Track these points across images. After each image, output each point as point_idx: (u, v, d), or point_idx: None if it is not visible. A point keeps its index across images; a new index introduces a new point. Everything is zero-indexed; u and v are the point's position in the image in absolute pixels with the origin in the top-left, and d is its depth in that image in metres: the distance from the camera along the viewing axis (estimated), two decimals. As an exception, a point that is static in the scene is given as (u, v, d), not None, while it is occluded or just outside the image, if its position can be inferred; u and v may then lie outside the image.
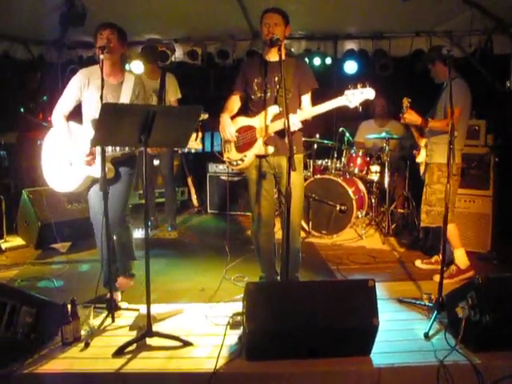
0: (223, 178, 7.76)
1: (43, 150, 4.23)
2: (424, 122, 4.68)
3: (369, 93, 3.82)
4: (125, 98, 3.98)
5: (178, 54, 7.80)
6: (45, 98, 7.50)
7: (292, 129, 3.89)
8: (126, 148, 3.89)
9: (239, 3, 6.32)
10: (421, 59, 6.61)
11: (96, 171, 3.86)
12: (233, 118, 4.26)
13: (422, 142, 4.99)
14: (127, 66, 6.88)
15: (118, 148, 3.87)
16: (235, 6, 6.33)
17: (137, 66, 6.70)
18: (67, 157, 4.04)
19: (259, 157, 4.19)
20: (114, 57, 3.93)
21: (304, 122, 4.01)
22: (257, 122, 4.15)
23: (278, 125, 3.99)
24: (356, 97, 3.81)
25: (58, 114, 4.04)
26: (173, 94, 6.35)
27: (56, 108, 4.06)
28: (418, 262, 5.21)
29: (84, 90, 3.97)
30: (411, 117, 4.70)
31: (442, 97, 4.72)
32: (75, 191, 4.18)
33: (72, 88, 4.01)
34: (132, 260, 4.42)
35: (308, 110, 4.06)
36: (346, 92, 3.84)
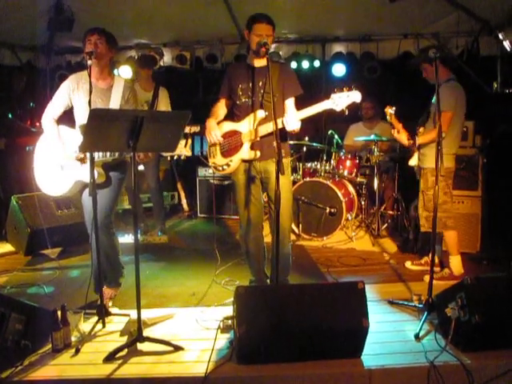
0: (213, 181, 7.76)
1: (35, 155, 4.21)
2: (411, 143, 4.69)
3: (355, 96, 3.84)
4: (114, 102, 3.97)
5: (167, 58, 7.83)
6: (31, 104, 7.48)
7: (291, 128, 3.92)
8: (117, 153, 3.89)
9: (227, 7, 6.34)
10: (410, 60, 6.67)
11: (86, 176, 3.84)
12: (218, 123, 4.26)
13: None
14: (116, 72, 6.89)
15: (108, 153, 3.86)
16: (223, 9, 6.36)
17: (125, 71, 6.70)
18: (58, 161, 4.04)
19: (245, 161, 4.19)
20: (102, 62, 3.93)
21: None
22: (242, 126, 4.16)
23: (265, 129, 4.00)
24: (342, 100, 3.83)
25: (47, 118, 4.05)
26: (164, 106, 6.37)
27: (45, 112, 4.06)
28: (408, 264, 5.23)
29: (73, 95, 3.97)
30: (400, 136, 4.73)
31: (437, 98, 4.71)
32: (66, 195, 4.18)
33: (61, 93, 4.02)
34: (117, 270, 4.34)
35: (293, 113, 4.05)
36: (333, 95, 3.86)
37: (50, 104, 4.07)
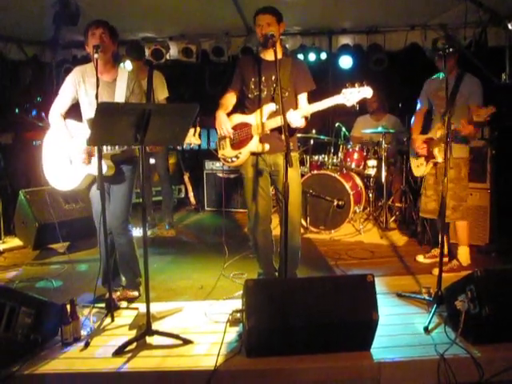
0: (220, 175, 7.75)
1: (43, 149, 4.20)
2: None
3: (366, 91, 3.82)
4: (119, 95, 3.96)
5: (173, 51, 7.79)
6: (39, 98, 7.48)
7: (294, 125, 3.92)
8: (125, 146, 3.89)
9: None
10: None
11: (95, 169, 3.85)
12: (228, 115, 4.25)
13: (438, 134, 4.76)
14: (122, 65, 6.86)
15: (116, 146, 3.86)
16: (229, 2, 6.31)
17: (129, 65, 6.68)
18: (67, 155, 4.04)
19: (254, 154, 4.18)
20: (107, 55, 3.91)
21: (305, 121, 4.02)
22: (253, 119, 4.14)
23: (275, 122, 3.99)
24: (354, 95, 3.81)
25: (54, 113, 4.04)
26: (161, 93, 6.30)
27: (53, 107, 4.05)
28: (420, 257, 5.21)
29: (79, 88, 3.97)
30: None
31: (462, 93, 4.67)
32: (76, 189, 4.16)
33: (67, 86, 4.01)
34: (138, 278, 4.32)
35: (305, 107, 4.05)
36: (344, 90, 3.84)
37: (56, 99, 4.06)
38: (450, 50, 4.21)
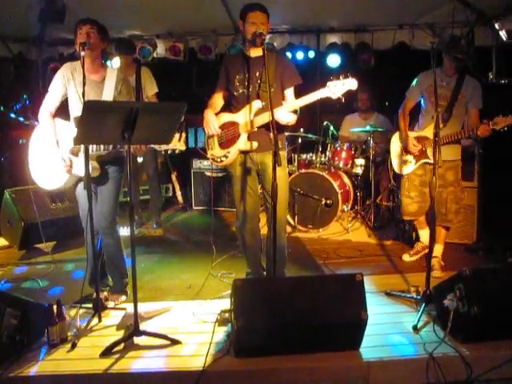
0: (207, 173, 7.73)
1: (30, 147, 4.16)
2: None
3: (351, 83, 3.81)
4: (107, 95, 3.92)
5: (160, 49, 7.75)
6: (25, 96, 7.41)
7: (285, 121, 3.92)
8: (110, 146, 3.85)
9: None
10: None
11: (80, 170, 3.82)
12: (216, 114, 4.22)
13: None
14: (108, 63, 6.81)
15: (101, 146, 3.82)
16: (217, 0, 6.28)
17: (117, 62, 6.62)
18: (53, 155, 3.99)
19: (243, 152, 4.17)
20: (94, 53, 3.87)
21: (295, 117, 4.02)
22: (240, 117, 4.13)
23: (262, 119, 3.97)
24: (338, 88, 3.80)
25: (44, 112, 3.99)
26: (150, 89, 6.22)
27: (42, 106, 4.00)
28: (406, 257, 5.22)
29: (68, 85, 3.93)
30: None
31: (463, 94, 4.63)
32: (61, 188, 4.12)
33: (57, 83, 3.96)
34: (125, 278, 4.28)
35: (291, 102, 4.03)
36: (329, 83, 3.82)
37: (46, 97, 4.01)
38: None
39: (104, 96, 3.91)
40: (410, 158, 4.90)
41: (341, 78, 3.81)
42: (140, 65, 6.31)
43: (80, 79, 3.68)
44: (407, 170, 4.94)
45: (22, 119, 6.69)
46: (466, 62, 4.64)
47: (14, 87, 7.59)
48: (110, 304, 4.06)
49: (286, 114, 3.94)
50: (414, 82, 4.88)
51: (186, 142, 3.87)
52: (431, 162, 4.64)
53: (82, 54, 3.64)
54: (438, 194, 4.76)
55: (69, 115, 4.00)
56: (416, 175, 4.90)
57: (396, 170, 5.11)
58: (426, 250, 5.11)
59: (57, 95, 3.97)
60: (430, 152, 4.69)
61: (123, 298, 4.22)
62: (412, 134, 4.86)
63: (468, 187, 5.61)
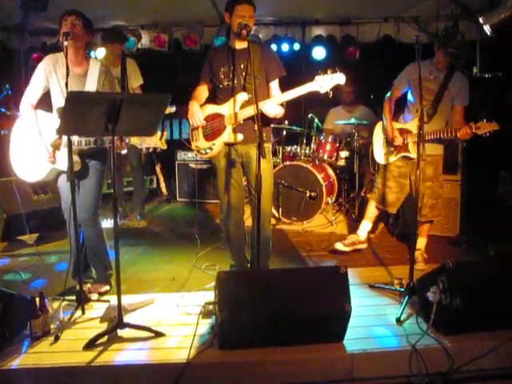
0: (192, 165, 7.69)
1: (12, 139, 4.11)
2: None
3: (339, 78, 3.81)
4: (89, 87, 3.89)
5: (145, 40, 7.70)
6: (7, 85, 7.30)
7: (273, 114, 3.94)
8: (92, 142, 3.81)
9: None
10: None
11: (61, 164, 3.81)
12: (201, 106, 4.20)
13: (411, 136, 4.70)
14: (92, 54, 6.74)
15: (83, 141, 3.79)
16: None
17: (101, 53, 6.55)
18: (34, 147, 3.95)
19: (228, 145, 4.15)
20: (77, 44, 3.83)
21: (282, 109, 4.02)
22: (225, 109, 4.11)
23: (248, 112, 3.96)
24: (326, 82, 3.80)
25: (25, 104, 3.95)
26: (135, 81, 6.17)
27: (24, 97, 3.96)
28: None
29: (50, 77, 3.88)
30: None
31: (450, 90, 4.61)
32: (42, 181, 4.09)
33: (38, 75, 3.91)
34: (108, 270, 4.27)
35: (279, 95, 4.03)
36: (317, 77, 3.82)
37: (27, 89, 3.96)
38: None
39: (86, 89, 3.87)
40: (391, 148, 4.89)
41: (329, 72, 3.81)
42: (125, 56, 6.23)
43: (62, 71, 3.65)
44: (387, 160, 4.93)
45: (3, 110, 6.61)
46: (459, 58, 4.63)
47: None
48: (94, 296, 4.03)
49: (273, 107, 3.95)
50: (403, 72, 4.84)
51: (171, 134, 3.86)
52: (412, 156, 4.68)
53: (66, 43, 3.60)
54: (403, 184, 4.82)
55: (51, 107, 3.96)
56: (395, 166, 4.89)
57: (377, 159, 5.10)
58: (360, 246, 5.19)
59: (38, 87, 3.92)
60: (411, 146, 4.68)
61: (106, 287, 4.20)
62: (396, 126, 4.83)
63: (451, 180, 5.67)
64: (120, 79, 5.96)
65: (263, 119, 3.56)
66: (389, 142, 4.89)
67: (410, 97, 4.85)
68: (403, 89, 4.86)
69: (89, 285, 4.18)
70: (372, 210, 5.11)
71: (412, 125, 4.67)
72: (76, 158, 3.85)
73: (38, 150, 3.91)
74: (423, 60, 4.49)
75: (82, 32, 3.83)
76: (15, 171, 4.10)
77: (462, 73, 4.70)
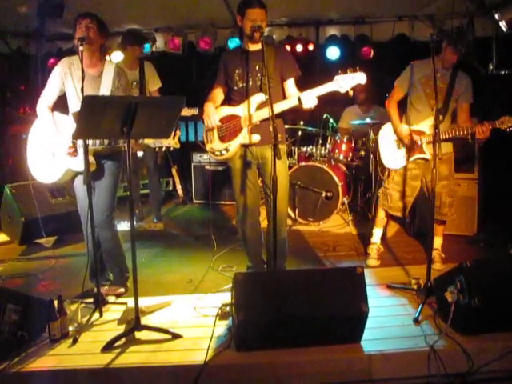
0: (207, 167, 7.71)
1: (29, 141, 4.15)
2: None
3: (360, 77, 3.80)
4: (105, 89, 3.91)
5: (159, 43, 7.75)
6: (23, 90, 7.39)
7: (308, 106, 3.87)
8: (106, 142, 3.83)
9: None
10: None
11: (76, 165, 3.83)
12: (216, 108, 4.20)
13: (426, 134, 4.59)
14: (107, 58, 6.78)
15: (97, 141, 3.81)
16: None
17: (117, 57, 6.59)
18: (50, 148, 3.99)
19: (244, 146, 4.15)
20: (92, 47, 3.86)
21: (290, 110, 4.00)
22: (241, 110, 4.11)
23: (264, 113, 3.95)
24: (347, 82, 3.79)
25: (42, 105, 3.99)
26: (153, 84, 6.19)
27: (40, 99, 4.00)
28: (371, 262, 4.93)
29: (66, 80, 3.92)
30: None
31: (456, 89, 4.54)
32: (57, 182, 4.14)
33: (54, 78, 3.95)
34: (125, 273, 4.30)
35: (295, 95, 3.97)
36: (337, 77, 3.82)
37: (44, 91, 4.00)
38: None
39: (101, 91, 3.90)
40: (402, 151, 4.74)
41: (349, 71, 3.81)
42: (143, 59, 6.26)
43: (77, 74, 3.68)
44: (399, 164, 4.77)
45: (22, 114, 6.69)
46: (468, 57, 4.58)
47: (10, 83, 7.55)
48: (111, 298, 4.06)
49: (311, 97, 3.86)
50: (406, 72, 4.73)
51: (186, 136, 3.87)
52: (427, 157, 4.57)
53: (81, 48, 3.63)
54: (415, 186, 4.75)
55: (67, 109, 4.00)
56: (407, 169, 4.74)
57: (387, 164, 4.90)
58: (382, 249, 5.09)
59: (54, 90, 3.96)
60: (426, 147, 4.57)
61: (121, 290, 4.23)
62: (407, 128, 4.69)
63: (468, 179, 5.63)
64: (138, 82, 6.00)
65: (278, 120, 3.55)
66: (402, 145, 4.74)
67: (413, 97, 4.71)
68: (406, 89, 4.72)
69: (106, 287, 4.21)
70: (382, 217, 5.02)
71: (425, 124, 4.58)
72: (91, 159, 3.87)
73: (57, 146, 3.93)
74: (425, 59, 4.50)
75: (97, 35, 3.85)
76: (31, 172, 4.14)
77: (474, 69, 4.63)
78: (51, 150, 3.98)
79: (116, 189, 4.16)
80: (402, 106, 4.85)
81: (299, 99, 3.87)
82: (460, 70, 4.59)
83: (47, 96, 3.99)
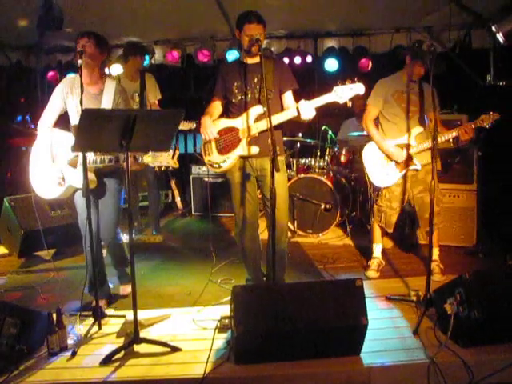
0: (206, 179, 7.71)
1: (31, 156, 4.18)
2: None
3: (359, 88, 3.83)
4: (105, 106, 3.95)
5: (158, 55, 7.77)
6: (28, 117, 7.41)
7: (306, 116, 3.87)
8: (107, 160, 3.83)
9: (218, 4, 6.28)
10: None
11: (77, 181, 3.84)
12: (214, 120, 4.21)
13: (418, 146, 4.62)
14: (106, 70, 6.80)
15: (98, 159, 3.81)
16: (214, 6, 6.29)
17: (116, 69, 6.61)
18: (49, 168, 4.02)
19: (243, 158, 4.16)
20: (92, 63, 3.90)
21: (288, 122, 4.02)
22: (240, 122, 4.12)
23: (263, 124, 3.96)
24: (346, 92, 3.82)
25: (42, 125, 4.05)
26: (153, 96, 6.21)
27: (41, 118, 4.06)
28: (371, 273, 4.93)
29: (67, 99, 3.97)
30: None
31: (426, 98, 4.61)
32: (58, 198, 4.14)
33: (55, 97, 4.02)
34: (126, 266, 4.41)
35: (309, 101, 3.94)
36: (335, 88, 3.84)
37: (45, 110, 4.06)
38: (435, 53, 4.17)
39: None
40: (392, 167, 4.74)
41: (347, 82, 3.83)
42: (144, 71, 6.28)
43: (78, 91, 3.71)
44: (391, 180, 4.76)
45: (22, 127, 6.71)
46: (437, 68, 4.62)
47: (9, 95, 7.58)
48: (110, 312, 4.05)
49: (309, 108, 3.86)
50: (377, 90, 4.81)
51: (185, 148, 3.88)
52: (418, 168, 4.63)
53: (80, 62, 3.68)
54: (421, 200, 4.74)
55: (69, 126, 4.04)
56: (397, 185, 4.76)
57: (378, 184, 4.88)
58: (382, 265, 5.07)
59: (55, 109, 4.03)
60: (416, 157, 4.61)
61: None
62: (391, 143, 4.71)
63: (467, 190, 5.63)
64: (139, 94, 6.02)
65: (277, 131, 3.55)
66: (391, 161, 4.74)
67: (389, 112, 4.75)
68: (380, 107, 4.78)
69: (123, 286, 4.40)
70: (379, 232, 5.04)
71: (410, 137, 4.62)
72: (92, 176, 3.89)
73: (52, 173, 3.99)
74: (391, 74, 4.79)
75: (95, 52, 3.89)
76: (33, 187, 4.15)
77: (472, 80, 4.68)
78: (51, 168, 4.01)
79: (119, 207, 4.25)
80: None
81: (298, 110, 3.88)
82: (422, 81, 4.66)
83: (48, 115, 4.05)
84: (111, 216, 4.16)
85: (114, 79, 4.23)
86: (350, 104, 3.88)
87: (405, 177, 4.72)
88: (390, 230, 4.96)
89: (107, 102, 3.96)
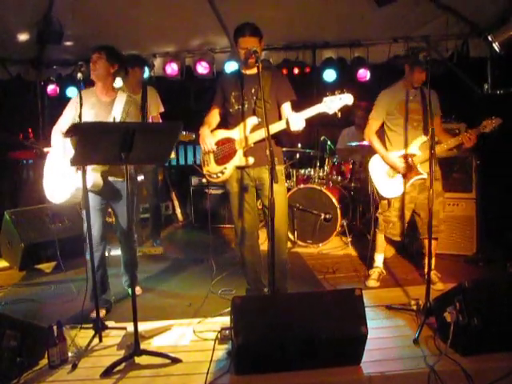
0: (207, 190, 7.73)
1: (45, 165, 4.29)
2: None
3: (347, 98, 3.84)
4: (116, 114, 4.05)
5: (157, 68, 7.80)
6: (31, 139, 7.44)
7: (296, 128, 3.88)
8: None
9: (217, 16, 6.33)
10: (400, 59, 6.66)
11: (88, 182, 3.86)
12: (212, 131, 4.26)
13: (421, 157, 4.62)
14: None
15: None
16: (213, 18, 6.34)
17: (117, 83, 6.63)
18: (61, 170, 4.08)
19: (240, 168, 4.18)
20: (103, 75, 4.10)
21: (286, 133, 4.03)
22: (236, 133, 4.16)
23: (258, 135, 3.99)
24: (335, 103, 3.83)
25: (56, 130, 4.21)
26: (155, 109, 6.24)
27: (55, 126, 4.22)
28: (371, 283, 4.94)
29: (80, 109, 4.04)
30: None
31: (427, 104, 4.60)
32: (68, 202, 4.17)
33: (69, 108, 4.20)
34: (135, 269, 4.61)
35: (299, 112, 3.97)
36: (325, 99, 3.86)
37: (59, 119, 4.23)
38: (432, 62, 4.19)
39: (112, 115, 4.04)
40: (398, 178, 4.75)
41: (336, 93, 3.85)
42: (146, 84, 6.30)
43: (91, 101, 3.97)
44: (399, 191, 4.76)
45: (22, 140, 6.73)
46: (437, 69, 4.65)
47: (9, 109, 7.60)
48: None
49: (299, 120, 3.87)
50: (380, 104, 4.83)
51: (185, 159, 3.92)
52: (425, 176, 4.60)
53: (79, 75, 3.82)
54: (426, 206, 4.74)
55: None
56: (405, 193, 4.75)
57: (385, 195, 4.86)
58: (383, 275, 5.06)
59: (68, 118, 4.17)
60: (421, 167, 4.61)
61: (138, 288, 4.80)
62: (396, 155, 4.73)
63: (467, 198, 5.64)
64: (140, 106, 6.03)
65: (274, 141, 3.57)
66: (395, 172, 4.76)
67: (393, 123, 4.77)
68: (382, 119, 4.82)
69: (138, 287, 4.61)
70: (382, 241, 5.04)
71: (413, 147, 4.63)
72: (98, 179, 4.00)
73: (66, 169, 4.02)
74: (390, 84, 4.82)
75: (106, 64, 4.08)
76: (46, 194, 4.24)
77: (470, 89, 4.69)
78: (61, 171, 4.08)
79: (134, 204, 4.50)
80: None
81: (287, 122, 3.90)
82: (423, 87, 4.64)
83: (61, 123, 4.21)
84: (124, 217, 4.20)
85: (125, 91, 4.31)
86: (339, 115, 3.88)
87: (412, 185, 4.72)
88: (399, 239, 4.95)
89: (118, 110, 4.08)
